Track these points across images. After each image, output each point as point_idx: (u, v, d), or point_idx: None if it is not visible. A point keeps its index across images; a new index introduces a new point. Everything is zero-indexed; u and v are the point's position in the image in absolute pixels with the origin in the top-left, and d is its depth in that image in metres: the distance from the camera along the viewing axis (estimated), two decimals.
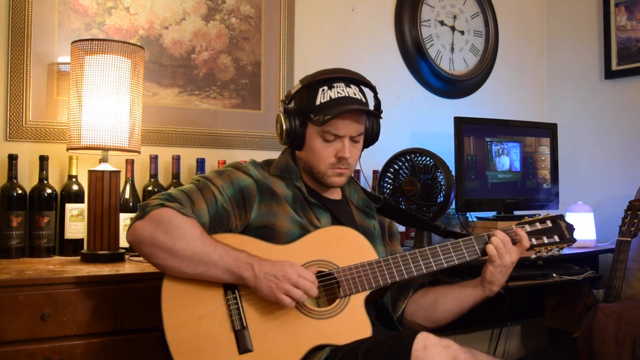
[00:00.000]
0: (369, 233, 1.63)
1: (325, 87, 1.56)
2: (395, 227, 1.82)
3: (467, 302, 1.62)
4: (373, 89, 1.64)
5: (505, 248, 1.54)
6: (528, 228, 1.62)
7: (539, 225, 1.63)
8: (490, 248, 1.54)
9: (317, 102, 1.56)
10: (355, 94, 1.57)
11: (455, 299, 1.63)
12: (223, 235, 1.49)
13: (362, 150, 1.67)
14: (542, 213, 1.71)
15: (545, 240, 1.62)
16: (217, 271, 1.39)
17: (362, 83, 1.61)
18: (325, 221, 1.59)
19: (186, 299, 1.42)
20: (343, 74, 1.59)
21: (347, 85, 1.57)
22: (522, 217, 1.69)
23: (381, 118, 1.67)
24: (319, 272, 1.48)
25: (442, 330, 1.66)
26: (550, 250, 1.62)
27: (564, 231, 1.64)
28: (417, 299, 1.68)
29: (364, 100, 1.59)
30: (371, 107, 1.63)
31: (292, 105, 1.63)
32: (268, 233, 1.52)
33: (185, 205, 1.46)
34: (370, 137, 1.67)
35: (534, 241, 1.60)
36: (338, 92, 1.55)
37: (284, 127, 1.57)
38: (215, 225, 1.50)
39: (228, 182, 1.54)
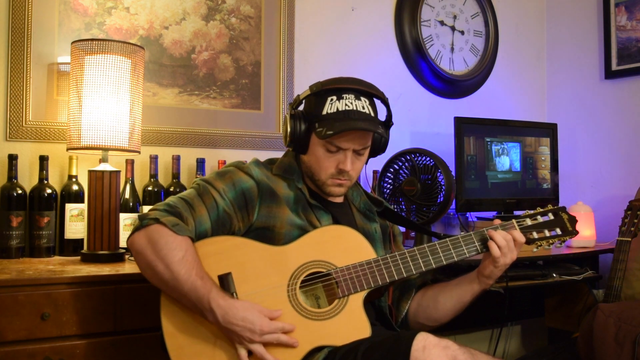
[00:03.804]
0: (369, 236, 1.62)
1: (334, 97, 1.53)
2: (398, 228, 1.82)
3: (465, 298, 1.61)
4: (385, 101, 1.61)
5: (508, 247, 1.52)
6: (529, 222, 1.59)
7: (540, 219, 1.60)
8: (494, 249, 1.51)
9: (324, 112, 1.53)
10: (363, 108, 1.53)
11: (454, 296, 1.62)
12: (221, 237, 1.48)
13: (369, 158, 1.65)
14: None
15: (547, 233, 1.59)
16: (187, 303, 1.39)
17: (374, 95, 1.58)
18: (326, 223, 1.58)
19: None
20: (354, 85, 1.55)
21: (357, 98, 1.54)
22: None
23: (386, 137, 1.63)
24: (317, 272, 1.48)
25: (442, 330, 1.66)
26: (553, 244, 1.60)
27: (566, 224, 1.61)
28: (419, 299, 1.68)
29: (372, 114, 1.55)
30: (383, 117, 1.61)
31: (300, 109, 1.60)
32: (267, 235, 1.52)
33: (185, 215, 1.45)
34: (377, 148, 1.66)
35: (535, 235, 1.58)
36: (346, 105, 1.52)
37: (289, 130, 1.56)
38: (218, 229, 1.49)
39: (230, 184, 1.53)
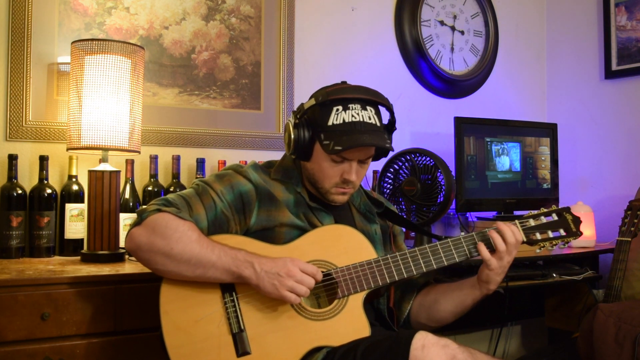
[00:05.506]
0: (369, 237, 1.61)
1: (340, 107, 1.50)
2: (398, 228, 1.81)
3: (466, 302, 1.61)
4: (390, 108, 1.60)
5: (515, 246, 1.51)
6: (532, 222, 1.57)
7: (543, 219, 1.58)
8: (486, 256, 1.50)
9: (330, 122, 1.50)
10: (370, 118, 1.51)
11: (455, 299, 1.62)
12: (222, 236, 1.48)
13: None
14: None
15: (550, 234, 1.57)
16: (215, 272, 1.39)
17: (379, 103, 1.56)
18: (328, 224, 1.58)
19: (184, 301, 1.42)
20: (360, 95, 1.52)
21: (363, 108, 1.51)
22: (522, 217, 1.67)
23: (392, 150, 1.60)
24: None
25: (442, 330, 1.66)
26: (556, 245, 1.58)
27: (570, 224, 1.59)
28: (420, 300, 1.67)
29: (378, 123, 1.53)
30: (385, 120, 1.60)
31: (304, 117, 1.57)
32: (268, 235, 1.52)
33: (182, 210, 1.45)
34: (379, 154, 1.64)
35: (538, 236, 1.56)
36: (352, 116, 1.49)
37: (292, 138, 1.54)
38: (214, 230, 1.49)
39: (228, 187, 1.53)
